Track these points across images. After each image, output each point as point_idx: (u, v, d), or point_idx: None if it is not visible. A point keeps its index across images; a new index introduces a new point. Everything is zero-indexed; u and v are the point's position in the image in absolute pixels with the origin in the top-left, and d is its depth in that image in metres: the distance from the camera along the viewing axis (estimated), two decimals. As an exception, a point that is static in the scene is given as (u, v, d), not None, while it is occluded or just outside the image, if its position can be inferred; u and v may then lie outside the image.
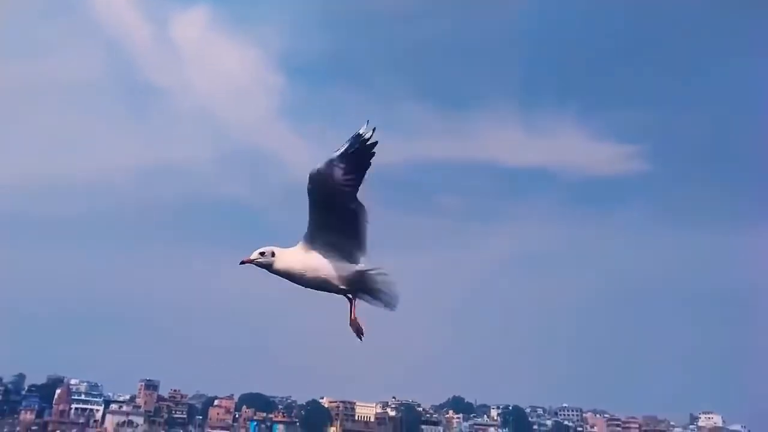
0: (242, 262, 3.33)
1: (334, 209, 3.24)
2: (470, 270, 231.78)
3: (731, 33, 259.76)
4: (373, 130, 3.25)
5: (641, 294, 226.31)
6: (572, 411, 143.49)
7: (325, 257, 3.26)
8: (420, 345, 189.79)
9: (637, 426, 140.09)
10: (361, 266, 3.46)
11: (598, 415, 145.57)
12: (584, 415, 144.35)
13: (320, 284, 3.33)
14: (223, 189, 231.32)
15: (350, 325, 3.43)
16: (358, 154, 3.21)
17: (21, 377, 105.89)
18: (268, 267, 3.29)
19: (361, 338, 3.41)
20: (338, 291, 3.37)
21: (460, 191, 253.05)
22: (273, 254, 3.26)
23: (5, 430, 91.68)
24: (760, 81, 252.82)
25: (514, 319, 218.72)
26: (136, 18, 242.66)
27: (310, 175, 3.22)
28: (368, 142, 3.26)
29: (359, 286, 3.34)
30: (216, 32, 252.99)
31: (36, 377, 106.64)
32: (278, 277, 3.36)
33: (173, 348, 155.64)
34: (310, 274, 3.25)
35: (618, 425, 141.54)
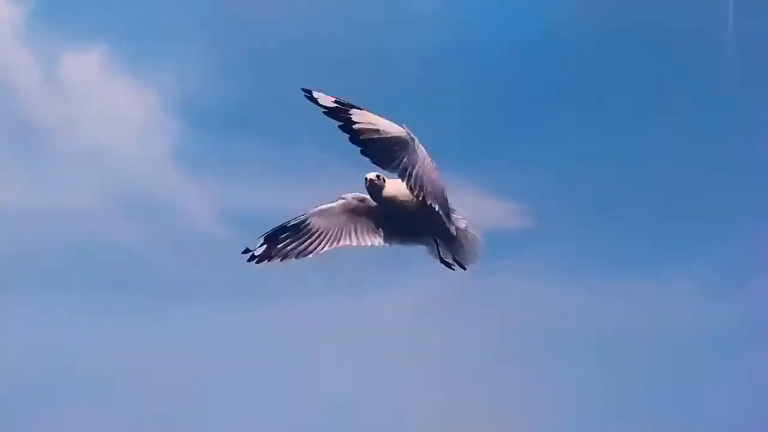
0: (366, 179, 2.79)
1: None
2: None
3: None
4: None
5: (535, 349, 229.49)
6: None
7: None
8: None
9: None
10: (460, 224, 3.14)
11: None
12: None
13: (427, 216, 2.80)
14: (111, 234, 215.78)
15: (441, 262, 3.16)
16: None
17: None
18: (378, 191, 2.84)
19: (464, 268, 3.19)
20: (435, 231, 3.04)
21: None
22: (384, 180, 2.89)
23: None
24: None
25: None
26: (23, 56, 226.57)
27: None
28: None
29: (452, 237, 3.04)
30: (110, 73, 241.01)
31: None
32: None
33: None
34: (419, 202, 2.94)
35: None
